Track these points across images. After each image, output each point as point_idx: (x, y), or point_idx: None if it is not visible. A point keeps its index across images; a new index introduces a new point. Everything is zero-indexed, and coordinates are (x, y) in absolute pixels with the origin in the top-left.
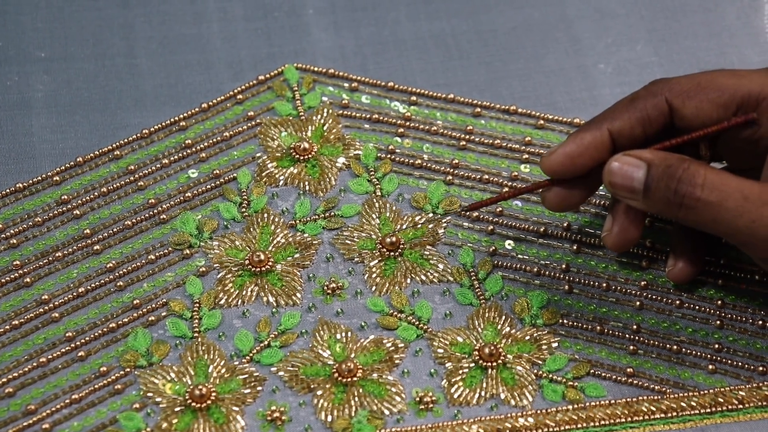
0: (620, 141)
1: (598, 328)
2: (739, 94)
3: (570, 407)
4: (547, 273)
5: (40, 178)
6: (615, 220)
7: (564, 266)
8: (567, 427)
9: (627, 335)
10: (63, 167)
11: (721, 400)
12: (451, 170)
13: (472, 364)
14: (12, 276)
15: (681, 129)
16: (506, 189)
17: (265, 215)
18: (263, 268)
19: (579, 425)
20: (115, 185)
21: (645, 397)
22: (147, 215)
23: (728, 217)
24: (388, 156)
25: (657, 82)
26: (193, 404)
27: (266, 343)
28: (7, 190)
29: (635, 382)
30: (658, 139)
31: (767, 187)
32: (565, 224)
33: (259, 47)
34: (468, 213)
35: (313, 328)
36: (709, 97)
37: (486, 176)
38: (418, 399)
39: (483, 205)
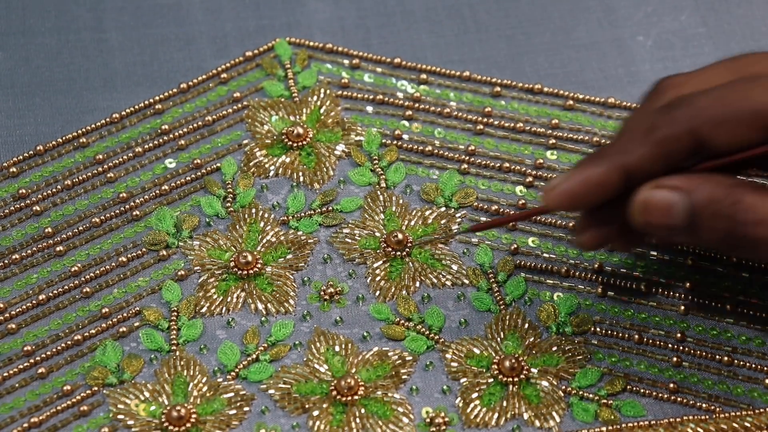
0: (635, 177)
1: (637, 336)
2: None
3: (604, 429)
4: (577, 274)
5: None
6: (588, 221)
7: (596, 266)
8: None
9: (670, 345)
10: (21, 157)
11: None
12: (467, 158)
13: (491, 380)
14: None
15: (711, 156)
16: (529, 178)
17: (253, 211)
18: (251, 271)
19: None
20: (80, 177)
21: (691, 417)
22: (117, 211)
23: None
24: (395, 142)
25: (677, 103)
26: (171, 428)
27: (254, 356)
28: None
29: (679, 399)
30: (679, 169)
31: None
32: None
33: (246, 19)
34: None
35: (308, 339)
36: (743, 122)
37: (506, 164)
38: (428, 420)
39: (488, 227)
